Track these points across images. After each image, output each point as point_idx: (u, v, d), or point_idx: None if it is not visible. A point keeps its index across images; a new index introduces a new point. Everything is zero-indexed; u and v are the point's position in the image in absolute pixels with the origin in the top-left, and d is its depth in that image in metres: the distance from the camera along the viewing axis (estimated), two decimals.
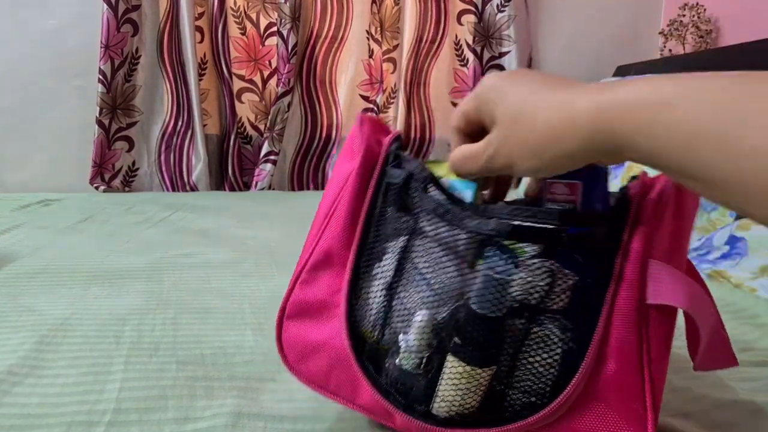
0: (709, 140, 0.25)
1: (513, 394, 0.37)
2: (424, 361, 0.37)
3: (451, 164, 0.39)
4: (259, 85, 1.94)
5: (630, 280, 0.35)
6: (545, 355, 0.36)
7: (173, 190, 1.87)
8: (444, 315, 0.37)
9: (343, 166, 0.45)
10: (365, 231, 0.42)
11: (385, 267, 0.40)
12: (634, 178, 0.38)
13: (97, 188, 1.78)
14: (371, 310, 0.40)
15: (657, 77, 0.29)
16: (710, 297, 0.40)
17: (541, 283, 0.35)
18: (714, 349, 0.39)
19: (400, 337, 0.38)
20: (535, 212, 0.37)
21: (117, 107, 1.79)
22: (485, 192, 0.45)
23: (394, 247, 0.41)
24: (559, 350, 0.35)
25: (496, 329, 0.35)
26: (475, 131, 0.39)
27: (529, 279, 0.35)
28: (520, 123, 0.34)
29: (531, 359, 0.36)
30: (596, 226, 0.36)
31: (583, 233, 0.35)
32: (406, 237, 0.40)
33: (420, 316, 0.37)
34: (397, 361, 0.38)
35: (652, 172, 0.37)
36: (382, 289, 0.40)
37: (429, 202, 0.39)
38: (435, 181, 0.41)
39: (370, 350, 0.40)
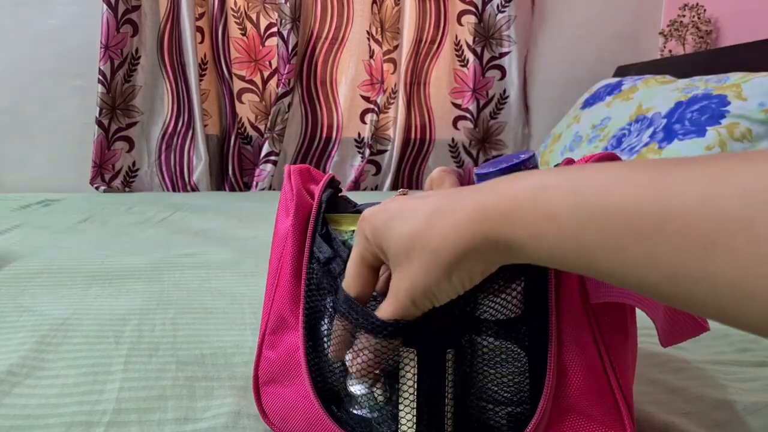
0: (657, 228, 0.20)
1: (488, 406, 0.36)
2: (379, 393, 0.36)
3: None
4: (260, 85, 1.94)
5: (568, 281, 0.35)
6: (508, 366, 0.35)
7: (173, 190, 1.87)
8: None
9: (281, 224, 0.44)
10: (308, 289, 0.41)
11: (327, 325, 0.40)
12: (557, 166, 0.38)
13: (97, 188, 1.79)
14: (330, 366, 0.40)
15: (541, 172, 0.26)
16: None
17: (468, 299, 0.35)
18: (675, 321, 0.37)
19: (349, 386, 0.37)
20: None
21: (117, 107, 1.80)
22: None
23: (330, 303, 0.40)
24: (520, 357, 0.35)
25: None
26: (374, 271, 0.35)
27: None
28: (417, 248, 0.30)
29: (492, 371, 0.35)
30: None
31: None
32: (333, 297, 0.40)
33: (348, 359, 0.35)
34: (356, 410, 0.38)
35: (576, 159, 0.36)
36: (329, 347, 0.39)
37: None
38: None
39: (340, 403, 0.39)
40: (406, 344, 0.34)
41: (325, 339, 0.40)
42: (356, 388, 0.37)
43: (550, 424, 0.35)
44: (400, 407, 0.34)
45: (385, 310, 0.32)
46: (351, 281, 0.34)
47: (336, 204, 0.44)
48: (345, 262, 0.38)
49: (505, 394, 0.35)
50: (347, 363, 0.35)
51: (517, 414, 0.35)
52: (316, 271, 0.41)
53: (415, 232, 0.30)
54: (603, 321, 0.35)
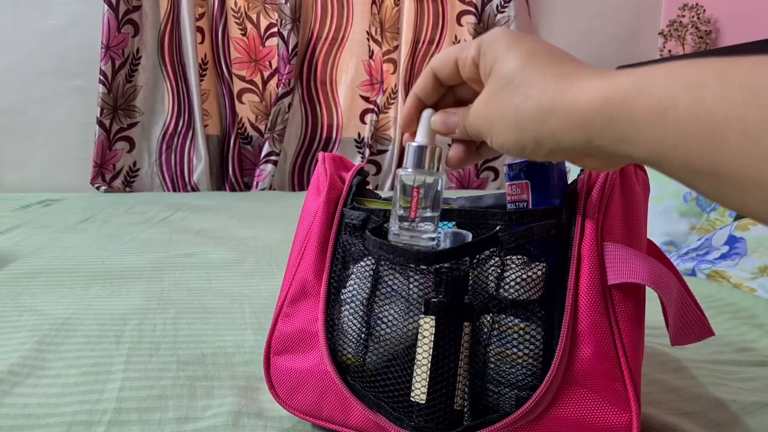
0: (737, 129, 0.21)
1: (497, 389, 0.37)
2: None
3: (433, 122, 0.39)
4: (260, 85, 1.95)
5: (588, 265, 0.36)
6: (523, 347, 0.37)
7: (174, 190, 1.87)
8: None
9: (311, 203, 0.48)
10: (333, 260, 0.44)
11: (352, 291, 0.42)
12: (582, 171, 0.39)
13: (98, 188, 1.79)
14: (348, 336, 0.41)
15: (675, 61, 0.26)
16: (674, 272, 0.41)
17: (491, 278, 0.37)
18: (685, 321, 0.39)
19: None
20: (482, 215, 0.40)
21: (118, 108, 1.80)
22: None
23: (358, 270, 0.42)
24: (535, 341, 0.37)
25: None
26: (451, 81, 0.37)
27: (479, 274, 0.38)
28: (514, 87, 0.30)
29: (508, 352, 0.37)
30: (540, 221, 0.38)
31: (519, 232, 0.37)
32: (374, 259, 0.41)
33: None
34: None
35: None
36: (353, 314, 0.41)
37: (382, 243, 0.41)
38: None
39: (354, 374, 0.41)
40: (426, 312, 0.37)
41: (347, 304, 0.42)
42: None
43: (558, 395, 0.36)
44: (415, 373, 0.37)
45: (453, 114, 0.37)
46: (418, 82, 0.39)
47: (363, 193, 0.47)
48: (379, 220, 0.42)
49: (519, 376, 0.37)
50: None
51: (525, 399, 0.36)
52: (344, 242, 0.44)
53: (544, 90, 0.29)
54: (620, 309, 0.36)
